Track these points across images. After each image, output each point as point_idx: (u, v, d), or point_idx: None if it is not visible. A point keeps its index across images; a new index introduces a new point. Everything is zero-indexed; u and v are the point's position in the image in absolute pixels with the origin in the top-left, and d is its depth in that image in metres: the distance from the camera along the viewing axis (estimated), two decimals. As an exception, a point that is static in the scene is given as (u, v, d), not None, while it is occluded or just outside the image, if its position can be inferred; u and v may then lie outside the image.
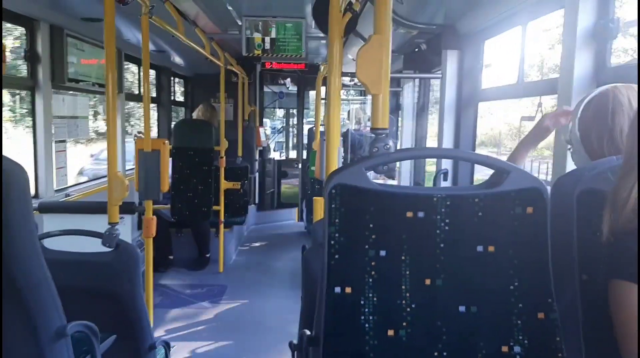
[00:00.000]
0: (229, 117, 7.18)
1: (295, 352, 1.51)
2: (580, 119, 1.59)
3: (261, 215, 8.35)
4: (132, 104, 7.34)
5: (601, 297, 1.21)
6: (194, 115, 6.36)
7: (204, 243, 6.00)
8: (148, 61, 3.13)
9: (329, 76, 2.17)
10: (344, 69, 4.93)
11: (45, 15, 3.71)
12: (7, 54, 3.49)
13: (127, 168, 5.62)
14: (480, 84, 3.79)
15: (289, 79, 8.55)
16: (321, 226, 1.26)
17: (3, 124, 3.73)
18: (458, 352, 1.22)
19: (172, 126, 6.34)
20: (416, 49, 4.86)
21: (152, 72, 6.59)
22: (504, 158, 1.72)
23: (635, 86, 1.54)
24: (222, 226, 5.77)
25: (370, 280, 1.22)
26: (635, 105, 1.49)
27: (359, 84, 7.52)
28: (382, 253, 1.23)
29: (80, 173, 9.73)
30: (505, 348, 1.21)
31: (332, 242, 1.22)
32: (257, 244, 7.30)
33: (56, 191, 4.02)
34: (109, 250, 2.34)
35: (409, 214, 1.23)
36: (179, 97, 7.85)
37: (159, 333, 4.14)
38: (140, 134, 5.69)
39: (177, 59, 6.76)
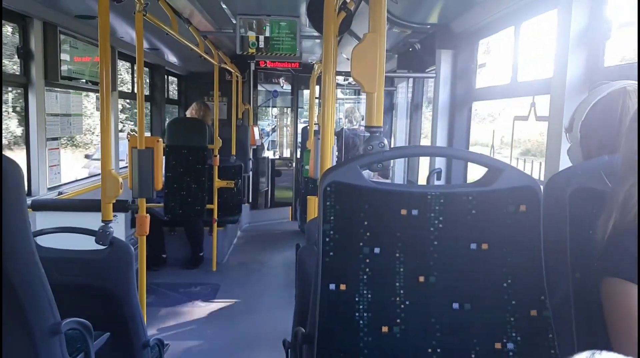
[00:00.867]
0: (223, 116, 7.17)
1: (289, 350, 1.52)
2: (585, 121, 1.53)
3: (255, 214, 8.35)
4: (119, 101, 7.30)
5: (594, 295, 1.22)
6: (187, 113, 6.35)
7: (197, 242, 6.00)
8: (142, 59, 3.12)
9: (323, 75, 2.18)
10: (338, 68, 4.93)
11: (38, 13, 3.69)
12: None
13: (120, 166, 5.60)
14: (474, 83, 3.80)
15: (282, 78, 8.55)
16: (315, 224, 1.26)
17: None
18: (452, 348, 1.22)
19: (166, 124, 6.33)
20: (410, 49, 4.87)
21: (146, 70, 6.57)
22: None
23: None
24: (215, 224, 5.76)
25: (365, 277, 1.23)
26: None
27: (353, 83, 7.54)
28: (377, 250, 1.23)
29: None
30: (498, 345, 1.22)
31: (327, 239, 1.23)
32: (250, 243, 7.30)
33: (49, 188, 4.01)
34: (103, 247, 2.33)
35: (403, 211, 1.23)
36: (173, 95, 7.83)
37: (152, 331, 4.13)
38: (134, 132, 5.67)
39: (171, 57, 6.74)
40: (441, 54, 3.86)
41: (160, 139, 3.27)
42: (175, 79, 7.85)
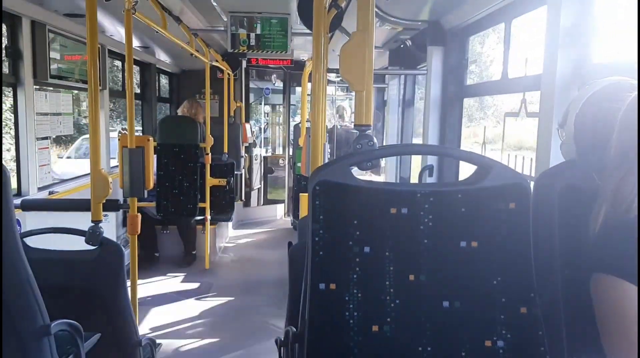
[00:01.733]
0: (215, 114, 7.15)
1: (282, 349, 1.52)
2: (579, 114, 1.51)
3: (247, 212, 8.34)
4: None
5: (583, 291, 1.22)
6: (179, 111, 6.33)
7: (190, 240, 5.99)
8: (131, 57, 3.10)
9: (313, 73, 2.17)
10: (330, 65, 4.92)
11: (27, 11, 3.66)
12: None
13: (111, 165, 5.58)
14: (465, 80, 3.81)
15: (274, 75, 8.53)
16: (307, 222, 1.26)
17: None
18: (442, 347, 1.22)
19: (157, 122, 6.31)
20: (401, 45, 4.88)
21: (137, 69, 6.54)
22: None
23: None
24: (208, 223, 5.75)
25: (355, 276, 1.22)
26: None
27: (344, 79, 7.53)
28: (367, 249, 1.23)
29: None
30: (488, 343, 1.22)
31: (317, 239, 1.22)
32: (243, 241, 7.29)
33: (39, 188, 3.98)
34: (93, 247, 2.32)
35: (393, 210, 1.23)
36: (165, 93, 7.80)
37: (144, 330, 4.12)
38: (125, 131, 5.64)
39: (162, 56, 6.71)
40: (432, 50, 3.87)
41: (151, 138, 3.26)
42: (167, 77, 7.81)
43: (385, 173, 6.68)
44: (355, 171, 1.28)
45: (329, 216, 1.22)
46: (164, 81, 7.77)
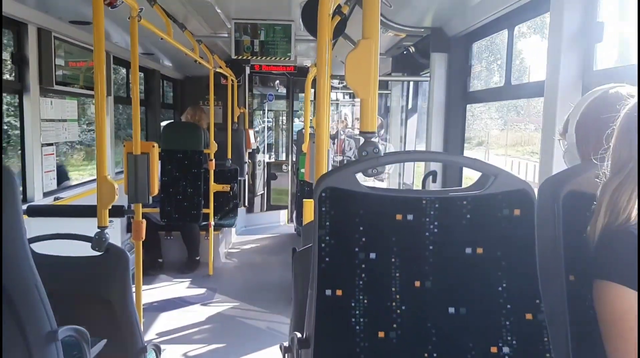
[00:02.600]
0: (219, 120, 7.18)
1: (286, 355, 1.52)
2: (579, 122, 1.52)
3: (251, 217, 8.35)
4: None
5: (588, 297, 1.23)
6: (183, 118, 6.35)
7: (193, 246, 5.99)
8: (137, 64, 3.12)
9: (318, 79, 2.18)
10: (333, 71, 4.94)
11: (33, 18, 3.69)
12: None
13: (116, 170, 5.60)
14: (468, 86, 3.82)
15: (277, 82, 8.56)
16: (311, 228, 1.27)
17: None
18: (448, 353, 1.23)
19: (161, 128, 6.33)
20: (404, 52, 4.89)
21: (142, 75, 6.57)
22: None
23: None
24: (211, 228, 5.76)
25: (361, 282, 1.23)
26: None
27: (348, 85, 7.56)
28: (372, 255, 1.24)
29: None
30: (494, 349, 1.23)
31: (323, 245, 1.23)
32: (247, 246, 7.29)
33: (45, 194, 4.00)
34: (99, 253, 2.33)
35: (399, 217, 1.24)
36: (169, 100, 7.83)
37: (149, 336, 4.13)
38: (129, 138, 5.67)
39: (167, 62, 6.74)
40: (435, 57, 3.88)
41: (156, 145, 3.27)
42: (171, 84, 7.85)
43: (388, 179, 6.69)
44: (360, 177, 1.29)
45: (335, 223, 1.23)
46: (167, 87, 7.81)
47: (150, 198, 3.29)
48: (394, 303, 1.23)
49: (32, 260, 1.47)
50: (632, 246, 1.12)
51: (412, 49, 4.59)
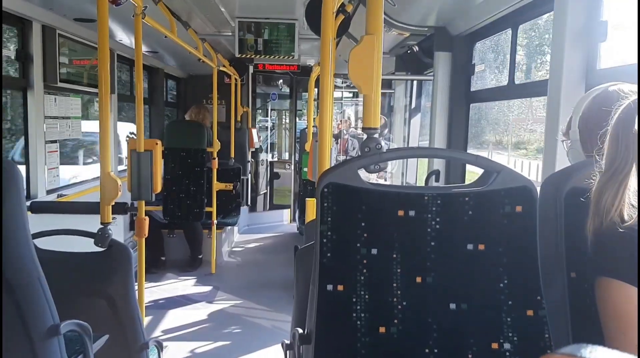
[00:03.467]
0: (222, 119, 7.18)
1: (288, 352, 1.52)
2: (582, 117, 1.53)
3: (253, 216, 8.36)
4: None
5: (589, 294, 1.23)
6: (186, 116, 6.36)
7: (196, 244, 6.00)
8: (141, 62, 3.13)
9: (321, 78, 2.18)
10: (337, 70, 4.94)
11: (37, 16, 3.70)
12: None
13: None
14: (471, 85, 3.82)
15: (281, 81, 8.56)
16: (314, 226, 1.27)
17: None
18: (448, 348, 1.23)
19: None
20: (408, 51, 4.89)
21: (145, 73, 6.58)
22: None
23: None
24: (214, 227, 5.77)
25: (362, 277, 1.24)
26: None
27: (351, 85, 7.55)
28: (374, 251, 1.24)
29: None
30: (495, 345, 1.23)
31: (324, 240, 1.23)
32: (249, 245, 7.30)
33: (48, 191, 4.01)
34: (102, 249, 2.34)
35: (400, 213, 1.24)
36: (172, 98, 7.84)
37: (152, 334, 4.13)
38: (133, 135, 5.68)
39: (170, 60, 6.75)
40: (439, 56, 3.88)
41: (159, 142, 3.27)
42: (174, 82, 7.86)
43: (391, 179, 6.69)
44: (366, 176, 1.29)
45: (337, 218, 1.24)
46: (171, 85, 7.82)
47: (154, 195, 3.29)
48: (395, 299, 1.24)
49: (35, 254, 1.48)
50: (626, 245, 1.12)
51: (415, 48, 4.59)
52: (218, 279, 5.63)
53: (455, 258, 1.25)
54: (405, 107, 6.39)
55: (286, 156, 9.37)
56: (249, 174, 7.88)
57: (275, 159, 9.34)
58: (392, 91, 6.85)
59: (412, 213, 1.24)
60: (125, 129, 6.54)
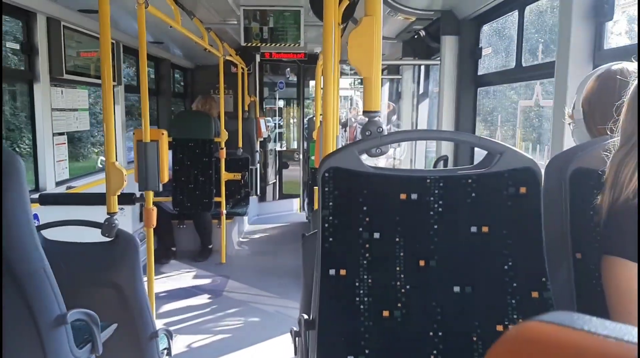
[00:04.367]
0: (229, 109, 7.17)
1: (297, 339, 1.52)
2: (586, 96, 1.53)
3: (263, 206, 8.37)
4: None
5: (595, 275, 1.21)
6: (193, 107, 6.36)
7: (206, 235, 6.03)
8: (145, 52, 3.12)
9: (324, 64, 2.17)
10: (343, 56, 4.91)
11: (42, 8, 3.70)
12: None
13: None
14: (478, 69, 3.78)
15: (288, 69, 8.53)
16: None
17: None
18: (453, 332, 1.22)
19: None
20: (415, 36, 4.85)
21: (152, 64, 6.59)
22: None
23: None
24: (223, 217, 5.78)
25: (365, 262, 1.23)
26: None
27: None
28: (376, 235, 1.23)
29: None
30: (500, 328, 1.22)
31: (326, 225, 1.23)
32: (258, 235, 7.32)
33: (57, 183, 4.03)
34: (109, 239, 2.35)
35: (403, 196, 1.23)
36: (179, 89, 7.85)
37: (162, 324, 4.16)
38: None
39: (177, 51, 6.75)
40: (446, 40, 3.84)
41: (165, 132, 3.27)
42: (181, 73, 7.86)
43: (400, 166, 6.66)
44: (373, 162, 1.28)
45: (338, 203, 1.23)
46: (178, 76, 7.82)
47: (161, 185, 3.30)
48: (398, 283, 1.23)
49: (39, 243, 1.48)
50: (636, 221, 1.10)
51: (422, 33, 4.54)
52: (228, 269, 5.65)
53: (458, 241, 1.23)
54: (413, 93, 6.34)
55: (294, 145, 9.35)
56: (258, 164, 7.88)
57: (284, 148, 9.33)
58: (400, 77, 6.80)
59: (414, 196, 1.23)
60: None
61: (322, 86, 6.37)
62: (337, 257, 1.22)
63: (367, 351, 1.21)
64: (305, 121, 8.46)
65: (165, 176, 3.26)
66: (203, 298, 4.82)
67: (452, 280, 1.23)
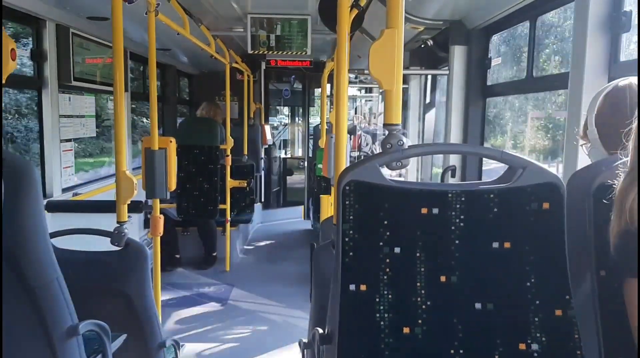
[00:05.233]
0: (235, 116, 7.17)
1: (305, 351, 1.50)
2: (598, 114, 1.52)
3: (267, 213, 8.35)
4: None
5: (619, 293, 1.19)
6: (198, 113, 6.36)
7: (210, 242, 6.00)
8: (154, 60, 3.11)
9: (336, 73, 2.15)
10: (349, 65, 4.90)
11: (51, 15, 3.70)
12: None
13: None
14: (488, 79, 3.76)
15: (293, 77, 8.54)
16: (330, 224, 1.25)
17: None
18: (474, 349, 1.20)
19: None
20: (422, 45, 4.84)
21: (158, 71, 6.59)
22: None
23: None
24: (228, 224, 5.76)
25: (385, 277, 1.21)
26: None
27: (364, 80, 7.50)
28: (397, 250, 1.21)
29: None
30: (522, 346, 1.20)
31: (346, 239, 1.21)
32: (263, 242, 7.30)
33: (64, 190, 4.02)
34: (118, 248, 2.33)
35: (424, 210, 1.21)
36: (185, 95, 7.85)
37: (166, 332, 4.14)
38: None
39: (183, 57, 6.76)
40: (454, 50, 3.83)
41: (174, 140, 3.26)
42: (186, 79, 7.86)
43: (406, 176, 6.64)
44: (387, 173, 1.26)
45: (359, 217, 1.21)
46: (183, 83, 7.83)
47: (168, 193, 3.29)
48: (419, 299, 1.21)
49: (53, 254, 1.47)
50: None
51: (430, 42, 4.53)
52: (233, 277, 5.63)
53: (480, 257, 1.22)
54: (420, 103, 6.33)
55: (299, 152, 9.34)
56: (263, 171, 7.88)
57: (289, 156, 9.32)
58: (407, 87, 6.80)
59: (435, 210, 1.21)
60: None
61: (328, 94, 6.36)
62: (357, 272, 1.21)
63: None
64: (311, 128, 8.46)
65: (173, 184, 3.25)
66: (208, 307, 4.80)
67: (473, 296, 1.21)
